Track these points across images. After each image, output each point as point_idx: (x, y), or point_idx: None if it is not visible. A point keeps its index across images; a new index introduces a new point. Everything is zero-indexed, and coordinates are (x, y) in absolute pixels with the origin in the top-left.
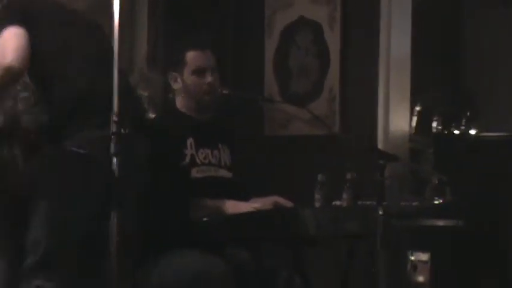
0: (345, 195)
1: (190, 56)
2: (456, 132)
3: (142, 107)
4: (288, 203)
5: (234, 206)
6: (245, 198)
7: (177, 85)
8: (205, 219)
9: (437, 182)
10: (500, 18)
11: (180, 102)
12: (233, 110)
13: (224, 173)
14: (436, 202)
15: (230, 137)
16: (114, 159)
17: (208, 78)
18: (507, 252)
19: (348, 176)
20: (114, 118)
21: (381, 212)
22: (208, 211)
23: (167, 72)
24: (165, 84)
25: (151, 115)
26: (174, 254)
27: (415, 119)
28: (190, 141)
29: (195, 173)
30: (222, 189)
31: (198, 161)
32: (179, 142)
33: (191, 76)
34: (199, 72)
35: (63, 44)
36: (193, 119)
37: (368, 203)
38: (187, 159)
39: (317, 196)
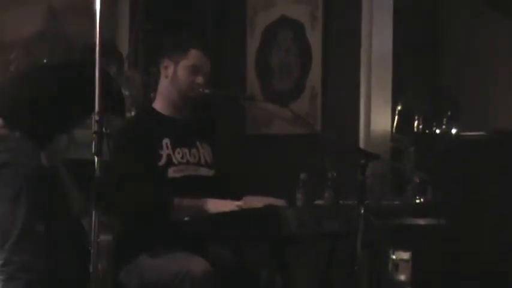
0: (326, 194)
1: (193, 52)
2: (437, 131)
3: None
4: (282, 203)
5: (215, 205)
6: (229, 195)
7: (166, 72)
8: (186, 218)
9: (418, 181)
10: (480, 20)
11: (158, 101)
12: (215, 108)
13: (205, 171)
14: (418, 201)
15: (210, 135)
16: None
17: (200, 79)
18: (488, 251)
19: (330, 175)
20: (96, 118)
21: (362, 211)
22: (190, 210)
23: (161, 57)
24: (146, 84)
25: (132, 114)
26: (155, 254)
27: (396, 118)
28: (166, 141)
29: (172, 172)
30: (204, 188)
31: (174, 160)
32: (154, 143)
33: (185, 70)
34: (194, 70)
35: None
36: (170, 119)
37: (350, 202)
38: (163, 159)
39: (299, 195)
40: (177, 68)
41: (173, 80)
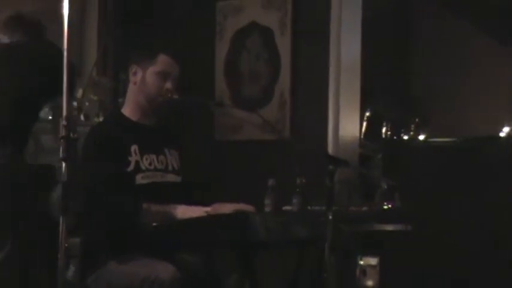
0: (295, 200)
1: (162, 58)
2: (405, 137)
3: None
4: (251, 209)
5: (184, 211)
6: (197, 201)
7: (135, 78)
8: (154, 224)
9: (386, 187)
10: (450, 26)
11: (127, 106)
12: (183, 114)
13: (172, 178)
14: (385, 207)
15: (178, 141)
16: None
17: (168, 85)
18: (455, 256)
19: (298, 181)
20: (63, 123)
21: (330, 217)
22: (159, 216)
23: (129, 63)
24: (114, 90)
25: (100, 119)
26: (123, 260)
27: (365, 124)
28: (134, 147)
29: (140, 179)
30: (171, 194)
31: (142, 167)
32: (123, 148)
33: (153, 76)
34: (162, 75)
35: None
36: (138, 125)
37: (318, 208)
38: (132, 165)
39: (267, 201)
40: (145, 73)
41: (142, 85)
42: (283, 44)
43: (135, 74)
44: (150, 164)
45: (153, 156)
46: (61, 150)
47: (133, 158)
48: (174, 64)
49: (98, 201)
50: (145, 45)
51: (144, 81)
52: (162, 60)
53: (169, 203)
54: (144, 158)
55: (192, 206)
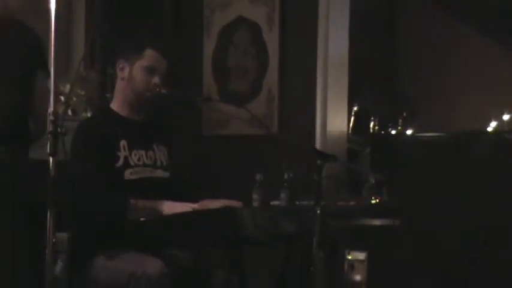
0: (282, 195)
1: (149, 53)
2: (393, 132)
3: None
4: (239, 205)
5: (171, 206)
6: (185, 197)
7: (122, 73)
8: (142, 219)
9: (374, 181)
10: (437, 21)
11: (115, 101)
12: (171, 109)
13: (160, 173)
14: (373, 202)
15: (166, 136)
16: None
17: (156, 79)
18: (443, 250)
19: (286, 175)
20: (51, 117)
21: (318, 212)
22: (146, 212)
23: (116, 58)
24: (102, 85)
25: (87, 114)
26: (111, 255)
27: (352, 119)
28: (123, 143)
29: (128, 174)
30: (159, 190)
31: (131, 162)
32: (111, 144)
33: (140, 71)
34: (150, 70)
35: None
36: (127, 120)
37: (306, 202)
38: (121, 161)
39: (255, 196)
40: (132, 68)
41: (129, 80)
42: (271, 39)
43: (122, 69)
44: (139, 160)
45: (142, 152)
46: (48, 146)
47: (122, 154)
48: (161, 59)
49: (86, 197)
50: (132, 40)
51: (132, 76)
52: (149, 55)
53: (157, 199)
54: (133, 154)
55: (179, 202)
